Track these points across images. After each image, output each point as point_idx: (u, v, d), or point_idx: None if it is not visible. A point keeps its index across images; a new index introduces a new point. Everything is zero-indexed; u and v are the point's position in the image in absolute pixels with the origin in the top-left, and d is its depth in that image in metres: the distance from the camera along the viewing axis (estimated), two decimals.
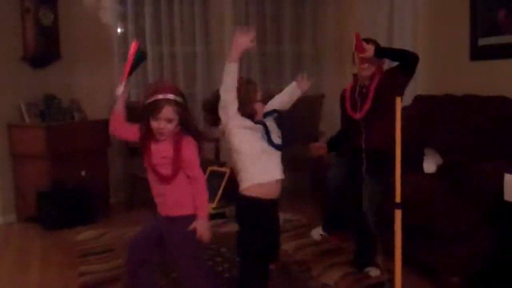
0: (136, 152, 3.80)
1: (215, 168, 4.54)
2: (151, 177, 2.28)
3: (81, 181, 4.35)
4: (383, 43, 3.20)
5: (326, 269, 3.12)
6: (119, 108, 2.28)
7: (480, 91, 3.47)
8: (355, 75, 3.08)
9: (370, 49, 2.86)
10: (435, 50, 4.14)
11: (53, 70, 4.54)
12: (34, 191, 4.24)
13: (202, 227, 2.20)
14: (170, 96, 2.17)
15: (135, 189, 4.60)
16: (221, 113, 2.31)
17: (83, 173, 4.39)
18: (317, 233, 3.62)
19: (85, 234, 3.96)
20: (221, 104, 2.29)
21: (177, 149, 2.20)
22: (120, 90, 2.28)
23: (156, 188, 2.28)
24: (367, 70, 2.95)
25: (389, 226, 2.30)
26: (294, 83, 2.66)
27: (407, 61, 2.86)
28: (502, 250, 2.65)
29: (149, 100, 2.17)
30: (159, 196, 2.29)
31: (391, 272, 2.46)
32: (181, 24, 5.03)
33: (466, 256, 2.71)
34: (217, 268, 3.15)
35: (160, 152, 2.22)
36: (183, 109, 2.20)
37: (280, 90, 2.67)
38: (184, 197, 2.24)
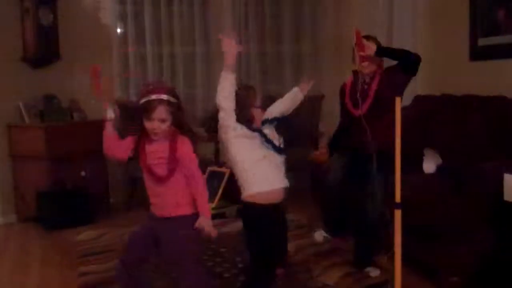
0: None
1: (215, 168, 4.55)
2: (146, 177, 2.28)
3: (81, 181, 4.35)
4: (382, 43, 3.20)
5: (326, 269, 3.11)
6: (110, 131, 2.28)
7: (480, 91, 3.47)
8: (355, 71, 3.06)
9: (371, 48, 2.83)
10: (435, 50, 4.14)
11: (53, 70, 4.54)
12: (34, 192, 4.24)
13: (208, 225, 2.20)
14: (163, 97, 2.17)
15: (134, 189, 4.60)
16: (220, 123, 2.33)
17: (82, 173, 4.39)
18: (319, 235, 3.59)
19: (85, 234, 3.96)
20: (220, 114, 2.31)
21: (173, 149, 2.20)
22: (110, 114, 2.27)
23: (152, 188, 2.27)
24: (368, 67, 2.94)
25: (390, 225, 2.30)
26: (296, 89, 2.66)
27: (408, 62, 2.85)
28: (502, 250, 2.65)
29: (143, 101, 2.18)
30: (155, 197, 2.28)
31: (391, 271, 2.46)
32: (180, 24, 5.03)
33: (466, 256, 2.70)
34: (217, 269, 3.15)
35: (156, 152, 2.21)
36: (176, 109, 2.20)
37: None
38: (181, 197, 2.24)
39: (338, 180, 3.12)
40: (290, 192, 2.51)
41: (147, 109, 2.16)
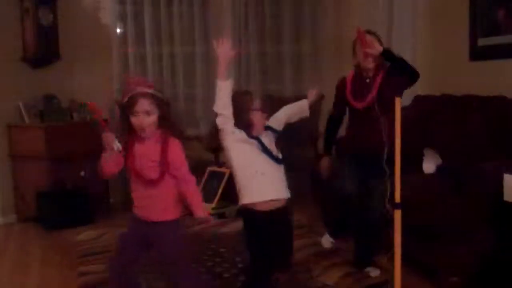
0: None
1: (215, 168, 4.55)
2: (134, 180, 2.23)
3: (80, 181, 4.35)
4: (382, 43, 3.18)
5: (326, 269, 3.12)
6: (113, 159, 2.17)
7: (480, 91, 3.47)
8: (357, 66, 3.04)
9: (377, 48, 2.82)
10: (435, 50, 4.14)
11: (53, 70, 4.54)
12: (34, 192, 4.24)
13: (204, 213, 2.21)
14: (146, 90, 2.15)
15: None
16: (219, 128, 2.34)
17: (82, 173, 4.38)
18: (327, 241, 3.52)
19: (84, 234, 3.96)
20: (218, 119, 2.32)
21: (165, 151, 2.17)
22: (118, 146, 2.15)
23: (140, 191, 2.23)
24: (371, 62, 2.92)
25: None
26: (304, 101, 2.63)
27: (405, 75, 2.82)
28: (502, 250, 2.65)
29: (126, 98, 2.16)
30: (142, 199, 2.23)
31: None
32: (180, 25, 5.03)
33: (466, 256, 2.70)
34: (217, 269, 3.14)
35: (148, 155, 2.17)
36: (161, 103, 2.17)
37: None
38: (170, 200, 2.22)
39: (345, 188, 3.04)
40: (290, 192, 2.51)
41: (130, 105, 2.13)
